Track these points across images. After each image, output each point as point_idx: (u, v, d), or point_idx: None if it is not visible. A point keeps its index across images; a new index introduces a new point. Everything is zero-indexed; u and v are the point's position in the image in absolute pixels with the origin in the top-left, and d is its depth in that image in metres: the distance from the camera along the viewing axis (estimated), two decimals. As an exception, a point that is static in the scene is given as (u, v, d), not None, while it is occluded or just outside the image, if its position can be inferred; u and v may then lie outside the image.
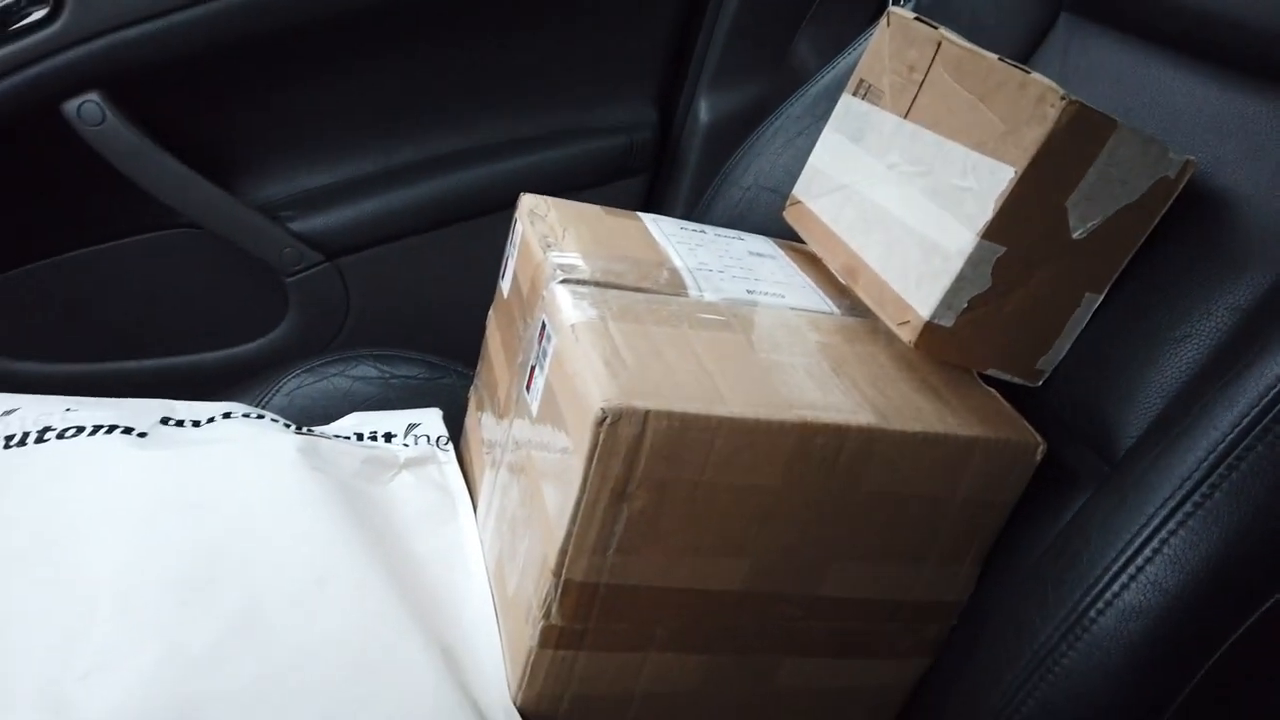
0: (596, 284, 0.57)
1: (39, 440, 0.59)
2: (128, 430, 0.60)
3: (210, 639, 0.48)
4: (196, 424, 0.64)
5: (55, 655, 0.46)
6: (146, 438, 0.60)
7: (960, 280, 0.53)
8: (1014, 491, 0.54)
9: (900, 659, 0.58)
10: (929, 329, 0.55)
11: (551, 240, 0.61)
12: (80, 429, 0.59)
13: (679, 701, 0.56)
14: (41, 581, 0.50)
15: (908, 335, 0.56)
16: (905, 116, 0.61)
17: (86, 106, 0.81)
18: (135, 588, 0.50)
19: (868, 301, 0.60)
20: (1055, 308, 0.56)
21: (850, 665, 0.57)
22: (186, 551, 0.52)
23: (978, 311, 0.55)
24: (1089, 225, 0.53)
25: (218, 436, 0.62)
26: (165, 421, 0.63)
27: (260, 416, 0.67)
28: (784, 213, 0.71)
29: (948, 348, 0.56)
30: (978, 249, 0.53)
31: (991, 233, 0.52)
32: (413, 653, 0.51)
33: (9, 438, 0.59)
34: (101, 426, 0.60)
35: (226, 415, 0.65)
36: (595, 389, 0.47)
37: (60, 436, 0.59)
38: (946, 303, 0.54)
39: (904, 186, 0.59)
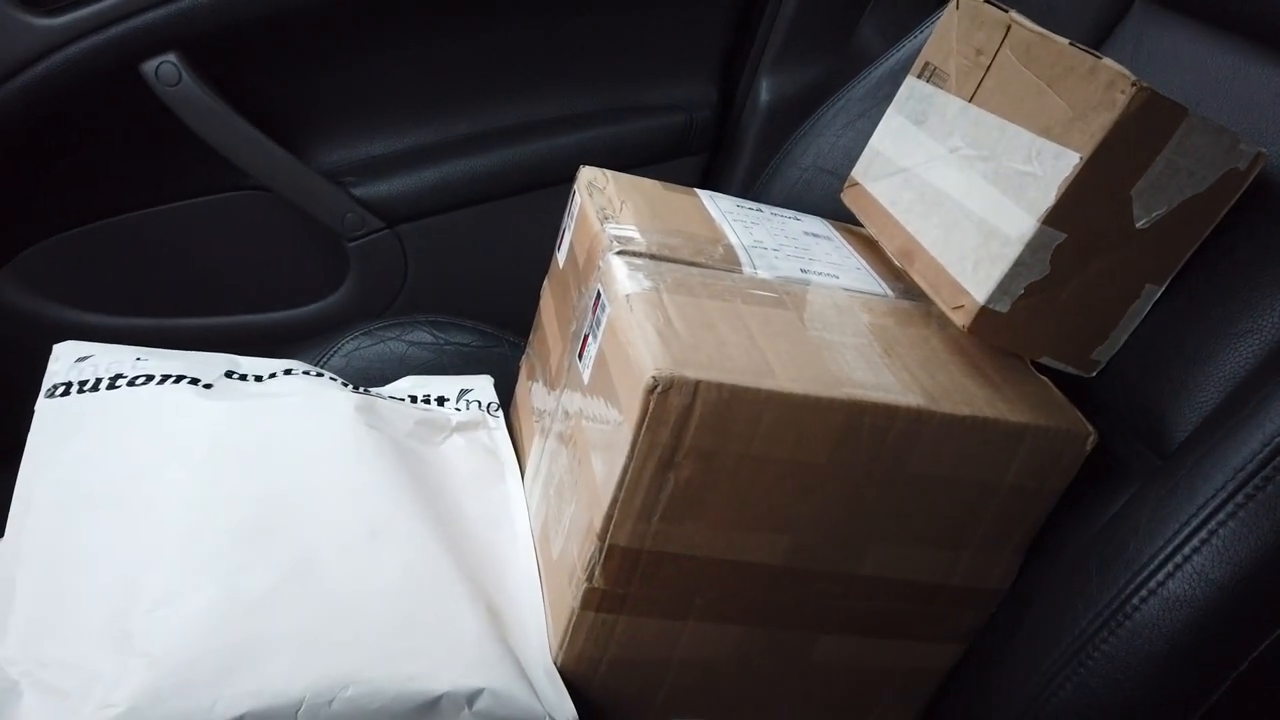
0: (652, 257, 0.57)
1: (111, 387, 0.61)
2: (194, 381, 0.62)
3: (266, 584, 0.50)
4: (259, 378, 0.66)
5: (122, 590, 0.49)
6: (212, 389, 0.62)
7: (1018, 266, 0.53)
8: (1062, 480, 0.53)
9: (936, 643, 0.58)
10: (983, 314, 0.54)
11: (609, 212, 0.61)
12: (150, 377, 0.62)
13: (715, 671, 0.56)
14: (110, 520, 0.52)
15: (961, 319, 0.55)
16: (970, 100, 0.61)
17: (164, 67, 0.84)
18: (197, 531, 0.52)
19: (922, 285, 0.60)
20: (1114, 298, 0.55)
21: (885, 646, 0.57)
22: (247, 499, 0.54)
23: (1034, 298, 0.54)
24: (1154, 215, 0.52)
25: (279, 391, 0.64)
26: (229, 375, 0.65)
27: (319, 374, 0.69)
28: (841, 194, 0.71)
29: (1002, 333, 0.55)
30: (1038, 235, 0.52)
31: (1052, 219, 0.52)
32: (459, 607, 0.52)
33: (83, 383, 0.61)
34: (170, 376, 0.62)
35: (288, 372, 0.67)
36: (648, 357, 0.47)
37: (131, 384, 0.61)
38: (1003, 288, 0.54)
39: (965, 170, 0.59)
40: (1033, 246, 0.53)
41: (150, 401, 0.60)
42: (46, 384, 0.61)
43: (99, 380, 0.61)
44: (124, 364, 0.63)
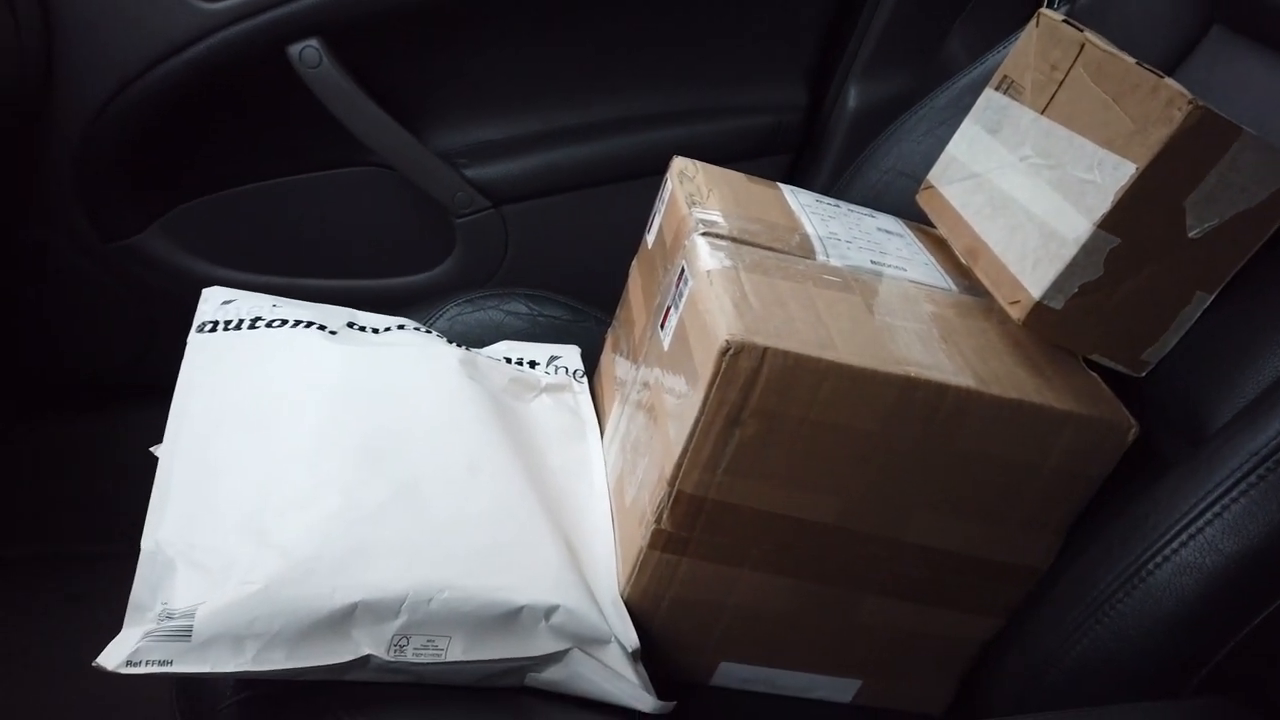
0: (733, 240, 0.63)
1: (250, 327, 0.70)
2: (322, 327, 0.70)
3: (379, 499, 0.57)
4: (375, 330, 0.74)
5: (258, 493, 0.57)
6: (336, 335, 0.70)
7: (1073, 266, 0.57)
8: (1103, 468, 0.57)
9: (974, 614, 0.62)
10: (1038, 309, 0.59)
11: (697, 198, 0.68)
12: (284, 321, 0.70)
13: (766, 620, 0.62)
14: (249, 436, 0.61)
15: (1017, 313, 0.60)
16: (1042, 112, 0.65)
17: (307, 50, 0.93)
18: (323, 450, 0.60)
19: (984, 281, 0.64)
20: (1165, 302, 0.59)
21: (926, 612, 0.62)
22: (365, 427, 0.62)
23: (1087, 297, 0.58)
24: (1205, 226, 0.56)
25: (393, 341, 0.72)
26: (351, 325, 0.73)
27: (428, 332, 0.77)
28: (917, 196, 0.75)
29: (1055, 329, 0.60)
30: (1093, 238, 0.56)
31: (1108, 224, 0.56)
32: (541, 537, 0.59)
33: (227, 322, 0.70)
34: (301, 321, 0.70)
35: (400, 327, 0.75)
36: (723, 324, 0.53)
37: (268, 326, 0.70)
38: (1058, 286, 0.58)
39: (1033, 177, 0.63)
40: (1088, 249, 0.57)
41: (284, 341, 0.68)
42: (197, 321, 0.70)
43: (241, 321, 0.70)
44: (262, 309, 0.72)
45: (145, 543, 0.54)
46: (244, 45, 0.92)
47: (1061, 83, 0.64)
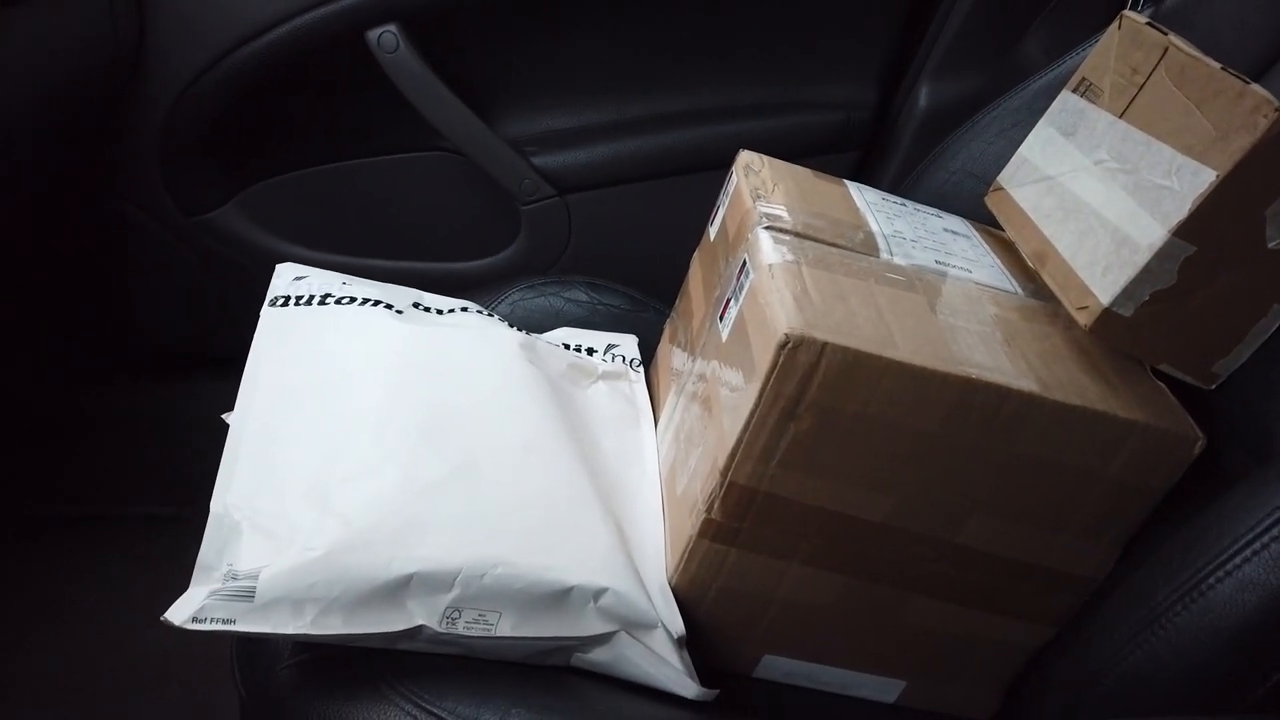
0: (796, 234, 0.63)
1: (321, 303, 0.72)
2: (389, 306, 0.72)
3: (438, 474, 0.59)
4: (440, 311, 0.75)
5: (323, 464, 0.59)
6: (402, 314, 0.72)
7: (1145, 272, 0.56)
8: (1166, 480, 0.56)
9: (1024, 622, 0.61)
10: (1106, 315, 0.57)
11: (762, 192, 0.68)
12: (353, 299, 0.72)
13: (813, 615, 0.62)
14: (315, 407, 0.63)
15: (1085, 319, 0.59)
16: (1120, 116, 0.63)
17: (385, 36, 0.95)
18: (385, 424, 0.61)
19: (1052, 285, 0.63)
20: (1240, 314, 0.57)
21: (975, 616, 0.61)
22: (426, 404, 0.63)
23: (1158, 306, 0.57)
24: (1287, 237, 0.54)
25: (456, 323, 0.74)
26: (416, 305, 0.75)
27: (490, 315, 0.78)
28: (985, 198, 0.74)
29: (1123, 337, 0.58)
30: (1167, 245, 0.55)
31: (1184, 231, 0.55)
32: (592, 520, 0.60)
33: (299, 298, 0.72)
34: (369, 299, 0.72)
35: (464, 309, 0.77)
36: (783, 317, 0.53)
37: (338, 302, 0.72)
38: (1128, 292, 0.57)
39: (1107, 182, 0.62)
40: (1161, 256, 0.55)
41: (352, 317, 0.70)
42: (270, 296, 0.72)
43: (312, 296, 0.72)
44: (332, 285, 0.74)
45: (214, 506, 0.56)
46: (325, 29, 0.95)
47: (1142, 86, 0.62)
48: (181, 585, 0.52)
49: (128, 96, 0.96)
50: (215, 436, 0.61)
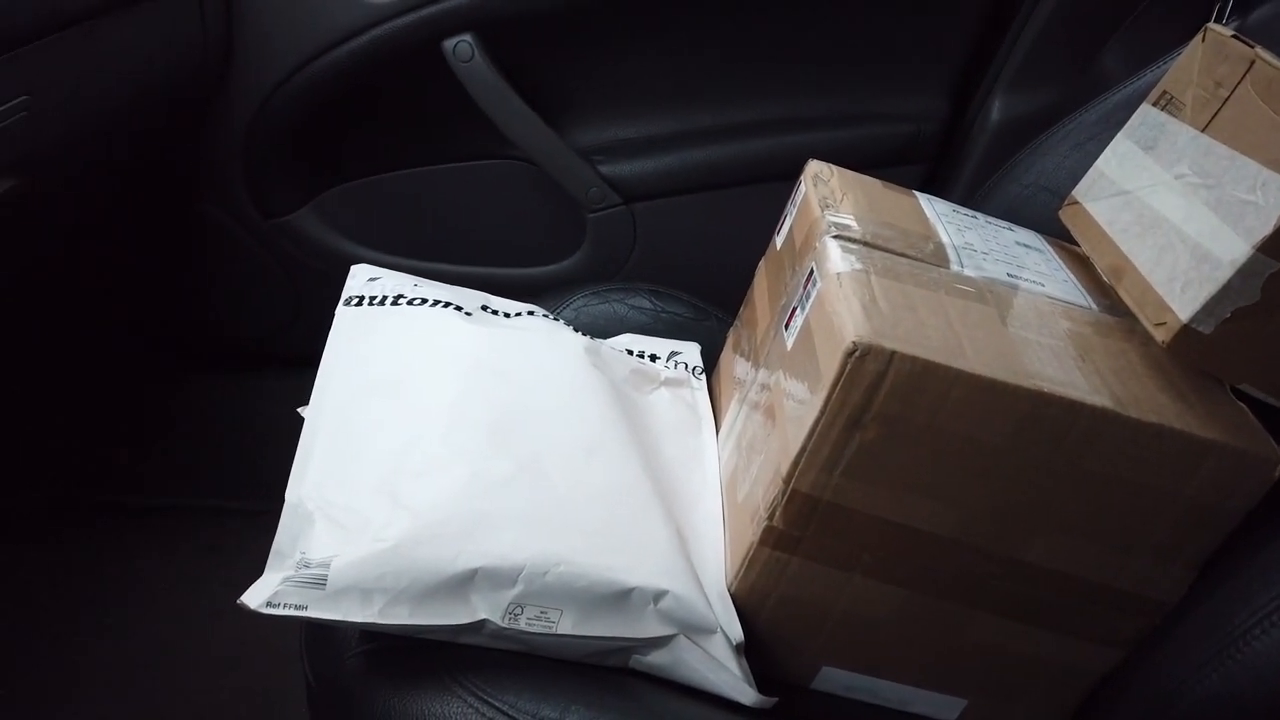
0: (865, 244, 0.63)
1: (394, 303, 0.74)
2: (458, 308, 0.74)
3: (504, 473, 0.60)
4: (507, 315, 0.77)
5: (393, 459, 0.60)
6: (471, 316, 0.73)
7: (1226, 289, 0.54)
8: (1245, 502, 0.54)
9: (1094, 644, 0.60)
10: (1185, 332, 0.56)
11: (830, 201, 0.68)
12: (424, 300, 0.74)
13: (873, 628, 0.61)
14: (387, 405, 0.64)
15: (1162, 335, 0.57)
16: (1203, 130, 0.62)
17: (460, 45, 0.98)
18: (455, 423, 0.62)
19: (1128, 301, 0.62)
20: (1328, 334, 0.56)
21: (1041, 636, 0.60)
22: (493, 404, 0.64)
23: (1240, 323, 0.55)
24: (1379, 255, 0.52)
25: (523, 326, 0.75)
26: (485, 308, 0.76)
27: (556, 320, 0.79)
28: (1060, 211, 0.73)
29: (1203, 355, 0.57)
30: (1251, 261, 0.54)
31: (1268, 247, 0.53)
32: (653, 523, 0.61)
33: (372, 298, 0.74)
34: (439, 301, 0.74)
35: (531, 313, 0.78)
36: (850, 325, 0.53)
37: (410, 303, 0.74)
38: (1208, 309, 0.55)
39: (1188, 197, 0.60)
40: (1244, 272, 0.54)
41: (423, 318, 0.72)
42: (344, 296, 0.74)
43: (385, 297, 0.74)
44: (404, 287, 0.75)
45: (289, 495, 0.58)
46: (402, 38, 0.97)
47: (1226, 100, 0.61)
48: (250, 576, 0.54)
49: (215, 102, 1.00)
50: (286, 433, 0.63)
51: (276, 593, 0.52)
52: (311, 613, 0.52)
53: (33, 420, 1.18)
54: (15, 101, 0.70)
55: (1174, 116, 0.66)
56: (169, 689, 0.99)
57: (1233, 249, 0.55)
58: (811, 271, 0.62)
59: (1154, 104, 0.68)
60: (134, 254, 1.14)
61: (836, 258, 0.61)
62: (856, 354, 0.52)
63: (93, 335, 1.18)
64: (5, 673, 0.97)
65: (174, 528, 1.17)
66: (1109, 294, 0.66)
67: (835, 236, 0.63)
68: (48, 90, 0.74)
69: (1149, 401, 0.54)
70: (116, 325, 1.20)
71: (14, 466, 1.16)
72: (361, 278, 0.76)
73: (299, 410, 0.65)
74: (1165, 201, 0.62)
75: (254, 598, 0.52)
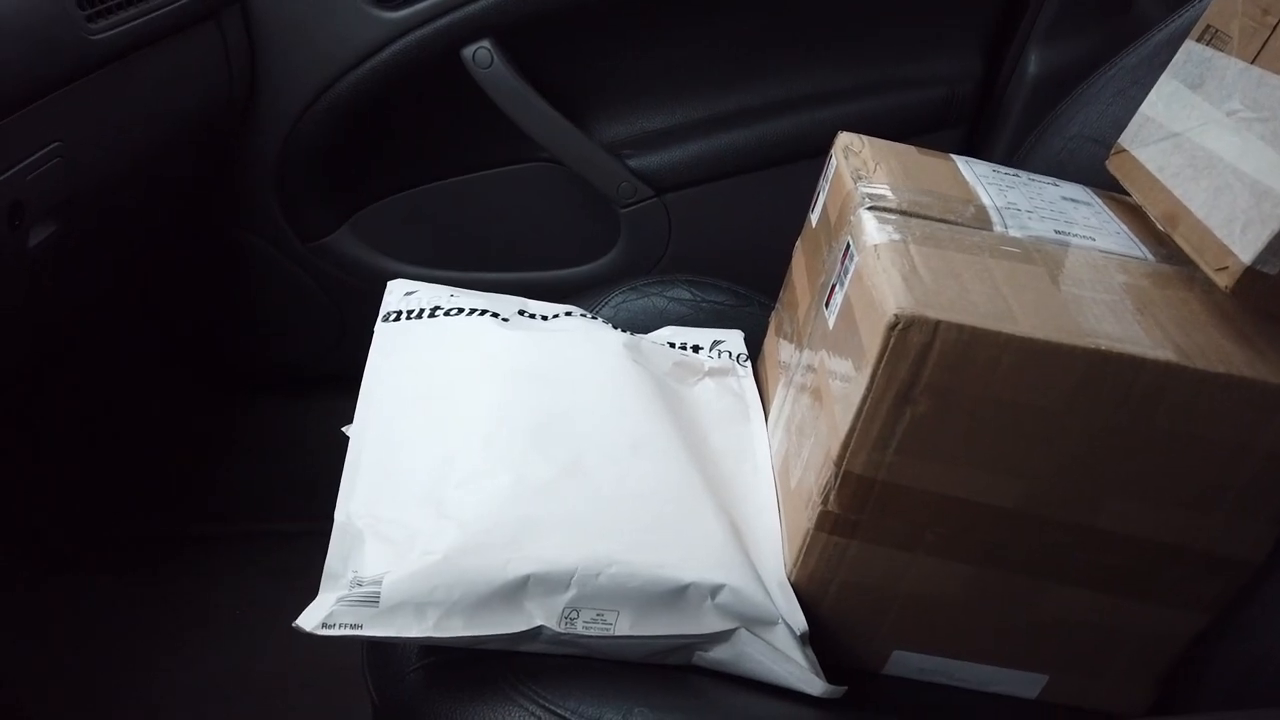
0: (902, 213, 0.61)
1: (430, 315, 0.73)
2: (495, 315, 0.73)
3: (547, 477, 0.59)
4: (545, 318, 0.76)
5: (437, 469, 0.60)
6: (508, 322, 0.73)
7: (1291, 226, 0.51)
8: (1328, 450, 0.51)
9: (1176, 609, 0.57)
10: (1249, 274, 0.53)
11: (863, 173, 0.66)
12: (460, 310, 0.74)
13: (941, 608, 0.59)
14: (429, 416, 0.64)
15: (1225, 280, 0.54)
16: (1252, 61, 0.59)
17: (479, 52, 0.97)
18: (496, 430, 0.62)
19: (1186, 248, 0.59)
20: (1406, 264, 0.52)
21: (1120, 605, 0.58)
22: (535, 409, 0.64)
23: (1309, 261, 0.52)
24: None
25: (561, 328, 0.74)
26: (522, 313, 0.76)
27: (594, 318, 0.78)
28: (1107, 161, 0.70)
29: (1268, 297, 0.54)
30: (1316, 194, 0.50)
31: (1334, 177, 0.50)
32: (705, 516, 0.59)
33: (410, 312, 0.74)
34: (476, 310, 0.74)
35: (568, 314, 0.77)
36: (891, 298, 0.51)
37: (446, 314, 0.73)
38: (1272, 249, 0.52)
39: (1242, 133, 0.57)
40: (1310, 206, 0.51)
41: (461, 328, 0.72)
42: (382, 312, 0.75)
43: (422, 310, 0.74)
44: (441, 299, 0.75)
45: (338, 515, 0.58)
46: (421, 50, 0.97)
47: (1276, 27, 0.58)
48: (311, 598, 0.54)
49: (245, 131, 1.01)
50: (340, 452, 0.63)
51: (331, 613, 0.52)
52: (367, 631, 0.52)
53: (98, 457, 1.21)
54: (49, 148, 0.71)
55: (1220, 50, 0.62)
56: (246, 713, 1.01)
57: (1295, 183, 0.52)
58: (848, 246, 0.60)
59: (1198, 39, 0.65)
60: (178, 286, 1.16)
61: (872, 229, 0.59)
62: (899, 327, 0.50)
63: (144, 369, 1.21)
64: (87, 703, 1.00)
65: (241, 554, 1.19)
66: (1165, 242, 0.63)
67: (870, 208, 0.61)
68: (79, 135, 0.75)
69: (1215, 351, 0.52)
70: (166, 357, 1.22)
71: (84, 504, 1.19)
72: (398, 293, 0.76)
73: (344, 429, 0.65)
74: (1218, 140, 0.59)
75: (309, 620, 0.52)
